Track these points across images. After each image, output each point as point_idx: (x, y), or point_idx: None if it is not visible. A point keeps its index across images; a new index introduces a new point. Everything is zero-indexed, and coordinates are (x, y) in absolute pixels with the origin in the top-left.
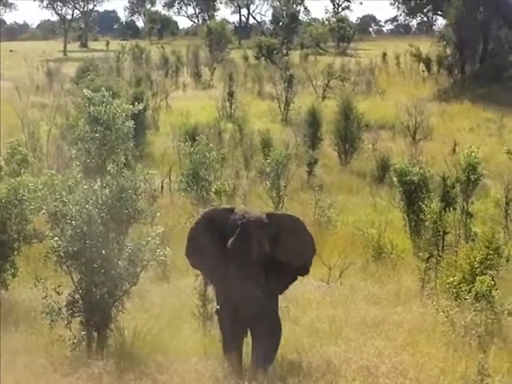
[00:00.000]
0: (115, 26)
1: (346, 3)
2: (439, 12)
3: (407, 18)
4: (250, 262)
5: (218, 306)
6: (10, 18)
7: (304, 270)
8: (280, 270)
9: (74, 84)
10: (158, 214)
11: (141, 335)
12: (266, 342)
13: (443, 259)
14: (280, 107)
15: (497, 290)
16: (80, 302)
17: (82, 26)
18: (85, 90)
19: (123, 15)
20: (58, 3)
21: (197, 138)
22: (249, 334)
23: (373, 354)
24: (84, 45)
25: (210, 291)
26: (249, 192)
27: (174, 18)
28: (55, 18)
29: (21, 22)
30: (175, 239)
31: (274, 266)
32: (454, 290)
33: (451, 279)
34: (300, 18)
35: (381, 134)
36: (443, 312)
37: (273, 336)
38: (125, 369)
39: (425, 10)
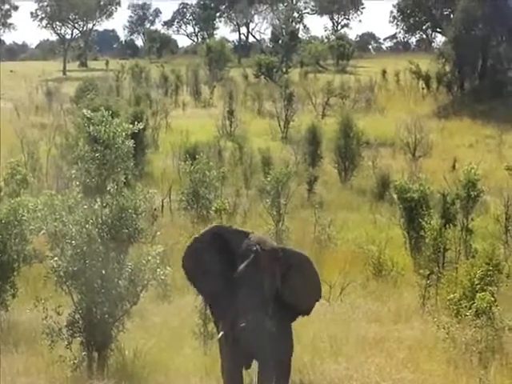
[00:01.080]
0: (115, 45)
1: (345, 21)
2: (438, 29)
3: (406, 35)
4: (261, 293)
5: (221, 334)
6: (9, 38)
7: (306, 313)
8: (282, 309)
9: (73, 104)
10: (159, 233)
11: (141, 355)
12: (272, 379)
13: (443, 276)
14: (280, 125)
15: (497, 306)
16: (80, 322)
17: (82, 45)
18: (84, 110)
19: (122, 34)
20: (57, 23)
21: (197, 156)
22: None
23: (374, 372)
24: (83, 64)
25: None
26: (249, 210)
27: (174, 36)
28: (54, 37)
29: (20, 42)
30: (175, 258)
31: (278, 304)
32: (455, 307)
33: (452, 296)
34: (299, 35)
35: (381, 151)
36: (444, 328)
37: (282, 374)
38: None
39: (424, 27)
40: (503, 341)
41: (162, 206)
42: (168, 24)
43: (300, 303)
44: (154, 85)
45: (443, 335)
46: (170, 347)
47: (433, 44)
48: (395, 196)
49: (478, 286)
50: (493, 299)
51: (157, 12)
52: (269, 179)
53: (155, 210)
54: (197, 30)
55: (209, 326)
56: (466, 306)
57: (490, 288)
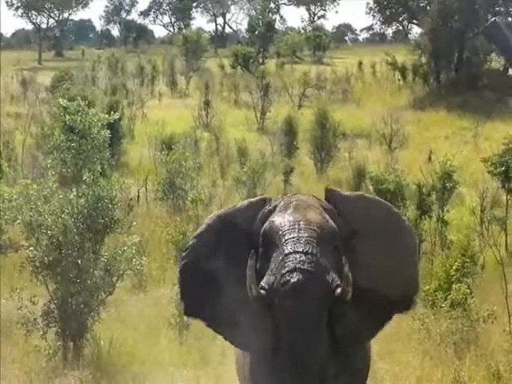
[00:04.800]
0: (91, 35)
1: (321, 12)
2: (414, 21)
3: (383, 26)
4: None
5: None
6: None
7: (404, 304)
8: (361, 306)
9: (49, 93)
10: (134, 223)
11: (117, 345)
12: None
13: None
14: (256, 116)
15: (472, 297)
16: (55, 312)
17: (57, 34)
18: (60, 99)
19: (98, 24)
20: (33, 12)
21: (173, 147)
22: None
23: None
24: (59, 54)
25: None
26: (225, 201)
27: (150, 26)
28: (30, 26)
29: None
30: (151, 248)
31: (352, 298)
32: (430, 298)
33: (427, 287)
34: (276, 26)
35: (357, 143)
36: (419, 320)
37: None
38: (101, 379)
39: (400, 19)
40: (478, 332)
41: (138, 196)
42: (144, 14)
43: (385, 284)
44: (131, 75)
45: (418, 326)
46: (146, 338)
47: (409, 35)
48: (371, 187)
49: (454, 278)
50: (468, 291)
51: (133, 2)
52: (245, 170)
53: (131, 200)
54: (173, 20)
55: (184, 316)
56: (441, 298)
57: (466, 279)
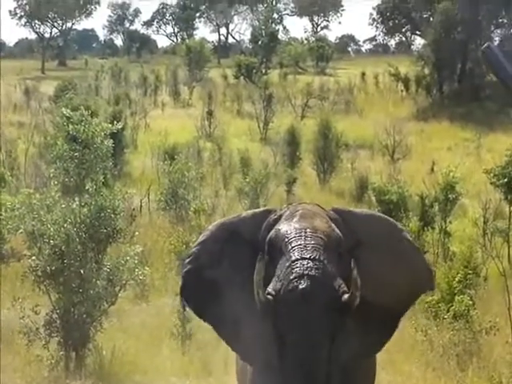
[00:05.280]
0: (94, 45)
1: (324, 23)
2: (417, 32)
3: (386, 37)
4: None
5: None
6: None
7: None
8: (366, 316)
9: (52, 103)
10: (137, 233)
11: (119, 355)
12: None
13: None
14: (259, 126)
15: (475, 309)
16: (58, 321)
17: (61, 44)
18: (63, 109)
19: (102, 34)
20: (36, 21)
21: (176, 157)
22: None
23: None
24: (62, 63)
25: (189, 310)
26: (228, 211)
27: (153, 36)
28: (33, 36)
29: None
30: (154, 258)
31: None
32: (433, 310)
33: (430, 298)
34: (279, 37)
35: (359, 154)
36: (422, 331)
37: None
38: None
39: (403, 30)
40: (481, 344)
41: (141, 206)
42: (147, 24)
43: (390, 295)
44: (134, 85)
45: (421, 338)
46: (148, 347)
47: (412, 47)
48: (373, 198)
49: (457, 289)
50: (471, 302)
51: (136, 12)
52: (247, 180)
53: (133, 210)
54: (176, 30)
55: (187, 326)
56: (444, 309)
57: (468, 291)
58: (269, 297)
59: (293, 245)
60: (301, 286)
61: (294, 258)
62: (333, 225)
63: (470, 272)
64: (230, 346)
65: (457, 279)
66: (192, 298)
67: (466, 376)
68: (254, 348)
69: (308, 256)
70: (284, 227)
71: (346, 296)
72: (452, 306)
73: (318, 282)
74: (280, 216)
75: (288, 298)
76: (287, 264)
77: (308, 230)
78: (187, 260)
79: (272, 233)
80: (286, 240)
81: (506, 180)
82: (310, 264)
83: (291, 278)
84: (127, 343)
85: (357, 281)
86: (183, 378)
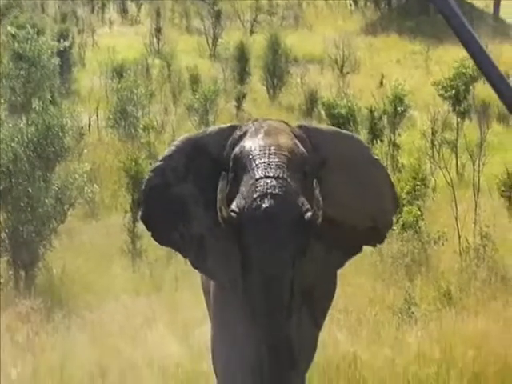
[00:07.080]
0: None
1: None
2: None
3: None
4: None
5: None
6: None
7: (375, 237)
8: (328, 235)
9: None
10: (86, 151)
11: (69, 274)
12: None
13: None
14: (208, 42)
15: (423, 219)
16: (7, 241)
17: None
18: (8, 27)
19: None
20: None
21: (124, 74)
22: None
23: None
24: None
25: (140, 227)
26: (177, 128)
27: None
28: None
29: None
30: (103, 176)
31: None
32: None
33: None
34: None
35: (309, 68)
36: None
37: None
38: (53, 307)
39: None
40: (429, 254)
41: (89, 124)
42: None
43: (355, 214)
44: (80, 2)
45: (370, 249)
46: (99, 266)
47: None
48: (323, 112)
49: (405, 200)
50: (419, 213)
51: None
52: (197, 97)
53: (82, 128)
54: None
55: (137, 243)
56: None
57: (417, 202)
58: (232, 214)
59: (257, 162)
60: (264, 205)
61: (257, 176)
62: (298, 142)
63: (419, 183)
64: (195, 267)
65: (405, 190)
66: (154, 217)
67: (414, 286)
68: (220, 267)
69: (271, 174)
70: (248, 144)
71: (309, 214)
72: (401, 216)
73: (281, 201)
74: (245, 132)
75: (252, 216)
76: (251, 182)
77: (272, 147)
78: (151, 174)
79: (237, 150)
80: (250, 157)
81: (453, 92)
82: (274, 182)
83: (255, 196)
84: (77, 262)
85: (319, 199)
86: (134, 296)
